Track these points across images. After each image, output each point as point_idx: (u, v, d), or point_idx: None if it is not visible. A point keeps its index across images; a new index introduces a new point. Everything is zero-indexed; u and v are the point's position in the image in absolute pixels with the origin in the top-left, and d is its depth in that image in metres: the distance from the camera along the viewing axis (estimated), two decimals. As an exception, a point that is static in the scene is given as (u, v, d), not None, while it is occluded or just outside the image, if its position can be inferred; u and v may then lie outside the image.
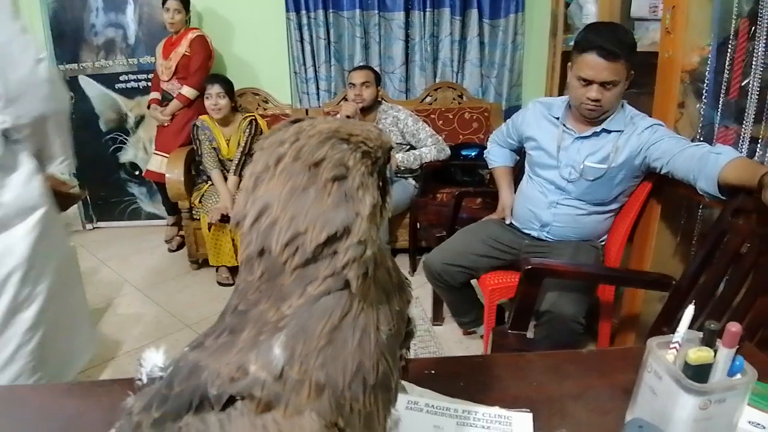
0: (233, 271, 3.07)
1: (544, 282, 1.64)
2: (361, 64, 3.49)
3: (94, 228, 4.06)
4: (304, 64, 3.71)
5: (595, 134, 1.84)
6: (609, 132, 1.82)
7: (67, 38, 3.65)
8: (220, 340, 0.42)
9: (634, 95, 1.98)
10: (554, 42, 3.35)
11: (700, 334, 0.70)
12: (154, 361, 0.53)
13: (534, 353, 0.98)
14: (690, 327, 0.72)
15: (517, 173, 2.30)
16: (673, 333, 0.72)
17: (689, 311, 0.72)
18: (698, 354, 0.66)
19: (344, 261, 0.39)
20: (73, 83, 3.70)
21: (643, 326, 1.99)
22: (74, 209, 4.03)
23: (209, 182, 3.18)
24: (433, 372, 0.91)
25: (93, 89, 3.76)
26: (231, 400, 0.39)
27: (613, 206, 1.92)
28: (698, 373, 0.66)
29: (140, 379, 0.53)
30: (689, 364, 0.66)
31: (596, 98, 1.74)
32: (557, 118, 1.92)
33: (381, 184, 0.43)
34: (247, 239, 0.40)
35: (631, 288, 2.05)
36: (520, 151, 2.25)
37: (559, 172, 1.90)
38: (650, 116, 1.85)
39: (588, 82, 1.74)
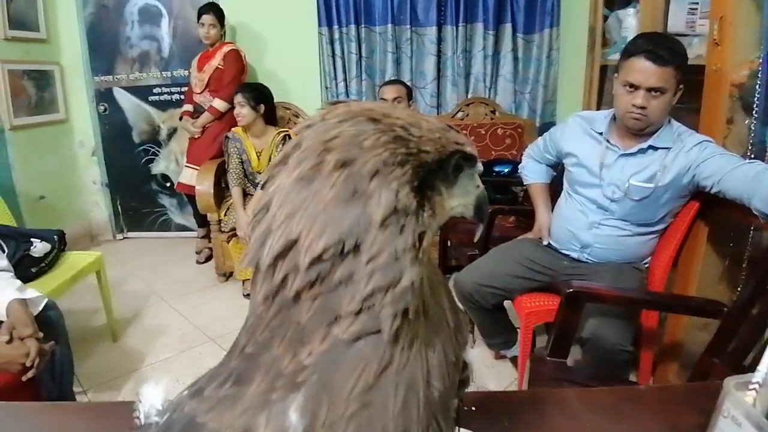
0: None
1: (585, 307, 1.54)
2: (393, 78, 3.45)
3: (124, 238, 4.10)
4: (336, 79, 3.70)
5: (641, 151, 1.75)
6: (656, 149, 1.73)
7: (103, 50, 3.72)
8: (223, 391, 0.32)
9: (677, 111, 1.88)
10: (592, 56, 3.26)
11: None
12: (151, 400, 0.41)
13: (585, 389, 0.89)
14: (743, 360, 0.63)
15: (553, 190, 2.21)
16: (734, 369, 0.63)
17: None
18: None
19: (368, 290, 0.29)
20: (107, 95, 3.76)
21: (686, 356, 1.87)
22: (105, 219, 4.08)
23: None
24: (473, 409, 0.83)
25: (127, 101, 3.81)
26: None
27: (658, 227, 1.82)
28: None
29: (138, 417, 0.42)
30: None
31: (642, 105, 1.65)
32: (600, 134, 1.84)
33: (426, 188, 0.33)
34: (247, 249, 0.32)
35: (676, 314, 1.93)
36: (557, 167, 2.16)
37: (602, 191, 1.81)
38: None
39: (635, 88, 1.65)
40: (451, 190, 0.37)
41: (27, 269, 2.32)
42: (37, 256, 2.37)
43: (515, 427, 0.77)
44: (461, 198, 0.39)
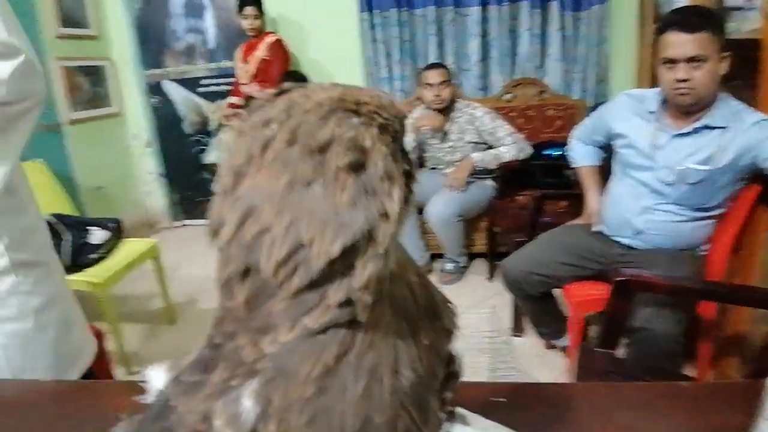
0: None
1: (637, 297, 1.48)
2: (434, 61, 3.39)
3: (182, 225, 4.25)
4: (378, 64, 3.67)
5: (696, 131, 1.64)
6: (711, 128, 1.62)
7: (151, 44, 3.83)
8: (193, 377, 0.34)
9: (733, 89, 1.75)
10: (643, 33, 3.09)
11: None
12: (155, 383, 0.42)
13: (624, 383, 0.85)
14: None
15: (605, 173, 2.11)
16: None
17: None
18: None
19: (363, 281, 0.28)
20: (158, 88, 3.87)
21: (749, 349, 1.76)
22: (162, 207, 4.24)
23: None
24: (503, 400, 0.80)
25: (176, 93, 3.91)
26: None
27: (716, 212, 1.71)
28: None
29: (142, 398, 0.43)
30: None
31: (684, 77, 1.55)
32: (651, 113, 1.74)
33: (406, 167, 0.32)
34: (226, 254, 0.30)
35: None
36: (607, 148, 2.06)
37: (654, 174, 1.72)
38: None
39: (673, 63, 1.57)
40: None
41: (86, 256, 2.44)
42: (95, 243, 2.48)
43: (543, 420, 0.74)
44: None
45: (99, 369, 1.60)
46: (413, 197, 0.33)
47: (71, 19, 3.47)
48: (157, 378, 0.41)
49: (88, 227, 2.52)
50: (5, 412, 0.82)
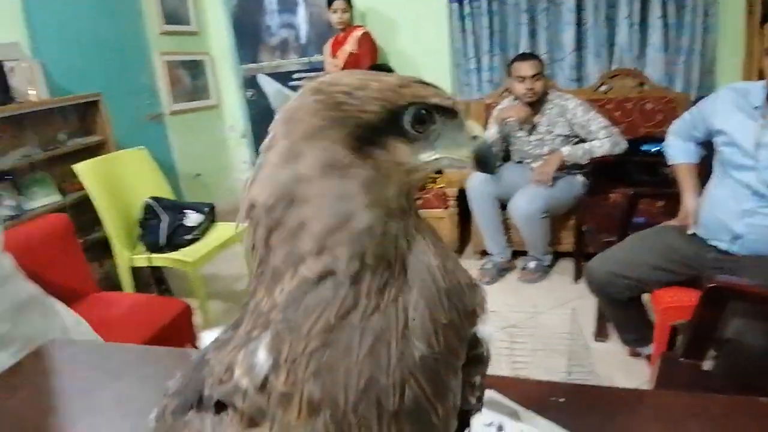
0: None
1: (729, 305, 1.35)
2: (527, 52, 3.28)
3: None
4: (466, 55, 3.62)
5: (808, 128, 1.47)
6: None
7: (247, 40, 4.02)
8: (226, 335, 0.38)
9: None
10: (752, 21, 2.80)
11: None
12: (206, 342, 0.46)
13: (693, 394, 0.78)
14: None
15: (704, 172, 1.95)
16: None
17: None
18: None
19: (319, 229, 0.32)
20: (253, 81, 4.06)
21: None
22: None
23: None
24: (562, 400, 0.77)
25: (270, 87, 4.08)
26: (222, 404, 0.35)
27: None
28: None
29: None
30: None
31: None
32: (756, 108, 1.58)
33: (370, 144, 0.34)
34: (255, 222, 0.36)
35: None
36: (708, 146, 1.90)
37: (757, 175, 1.56)
38: None
39: None
40: (421, 143, 0.37)
41: (181, 237, 2.62)
42: (190, 225, 2.66)
43: (600, 424, 0.70)
44: (449, 150, 0.38)
45: (186, 340, 1.72)
46: (369, 165, 0.34)
47: (174, 16, 3.72)
48: (208, 339, 0.45)
49: (184, 210, 2.70)
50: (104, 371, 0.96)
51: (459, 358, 0.39)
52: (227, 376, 0.35)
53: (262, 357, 0.33)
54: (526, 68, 2.73)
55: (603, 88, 3.41)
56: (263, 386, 0.33)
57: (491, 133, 2.88)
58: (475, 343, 0.42)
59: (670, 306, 1.74)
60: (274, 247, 0.34)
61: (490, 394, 0.75)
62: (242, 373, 0.34)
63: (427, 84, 0.37)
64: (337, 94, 0.35)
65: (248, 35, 3.99)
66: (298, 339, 0.32)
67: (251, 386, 0.34)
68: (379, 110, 0.34)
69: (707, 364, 1.38)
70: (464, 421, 0.48)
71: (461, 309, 0.38)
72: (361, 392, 0.32)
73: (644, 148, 3.02)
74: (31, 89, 2.56)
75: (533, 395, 0.79)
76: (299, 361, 0.32)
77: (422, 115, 0.36)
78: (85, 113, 2.92)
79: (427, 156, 0.37)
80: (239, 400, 0.34)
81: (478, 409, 0.48)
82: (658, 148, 2.92)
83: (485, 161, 0.40)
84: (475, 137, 0.40)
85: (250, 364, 0.34)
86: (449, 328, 0.36)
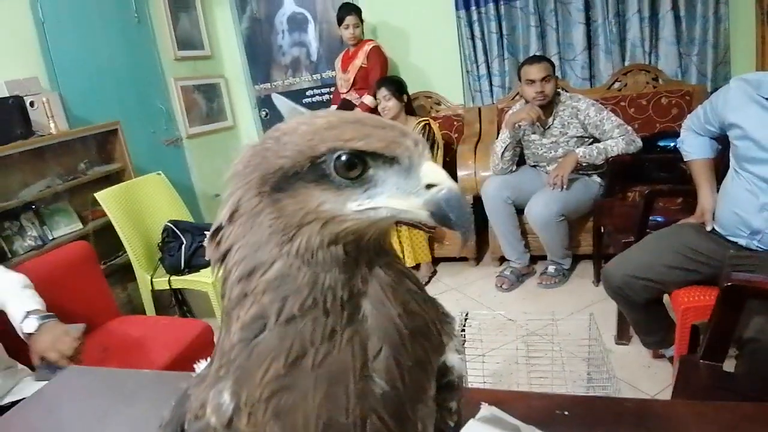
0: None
1: (750, 304, 1.31)
2: (535, 54, 3.26)
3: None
4: (476, 61, 3.61)
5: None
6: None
7: (259, 60, 4.08)
8: (205, 369, 0.40)
9: None
10: (762, 9, 2.74)
11: None
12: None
13: (707, 403, 0.76)
14: None
15: (722, 167, 1.90)
16: None
17: None
18: None
19: (236, 276, 0.34)
20: (267, 101, 4.12)
21: None
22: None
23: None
24: (566, 413, 0.76)
25: (284, 105, 4.13)
26: None
27: None
28: None
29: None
30: None
31: None
32: (768, 99, 1.53)
33: (281, 191, 0.34)
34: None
35: None
36: (722, 140, 1.86)
37: (774, 168, 1.52)
38: None
39: None
40: (353, 190, 0.34)
41: (201, 258, 2.66)
42: (209, 246, 2.69)
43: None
44: (393, 199, 0.34)
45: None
46: (275, 213, 0.35)
47: (187, 41, 3.80)
48: (198, 370, 0.48)
49: (204, 231, 2.74)
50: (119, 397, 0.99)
51: (426, 391, 0.39)
52: (201, 413, 0.37)
53: (227, 399, 0.35)
54: (535, 71, 2.71)
55: (616, 85, 3.37)
56: (230, 424, 0.35)
57: (504, 137, 2.87)
58: (445, 371, 0.43)
59: (690, 306, 1.70)
60: (225, 289, 0.36)
61: (491, 410, 0.74)
62: (212, 411, 0.36)
63: (371, 125, 0.34)
64: (268, 140, 0.35)
65: (260, 56, 4.05)
66: (253, 386, 0.33)
67: (219, 425, 0.35)
68: (295, 156, 0.33)
69: (728, 365, 1.34)
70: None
71: (428, 347, 0.39)
72: None
73: (662, 143, 2.97)
74: (51, 122, 2.64)
75: (537, 409, 0.78)
76: (257, 406, 0.33)
77: (348, 161, 0.33)
78: (104, 142, 3.00)
79: (356, 205, 0.34)
80: None
81: None
82: (675, 143, 2.87)
83: (442, 216, 0.34)
84: (429, 186, 0.34)
85: (217, 404, 0.35)
86: (415, 366, 0.37)
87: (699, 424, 0.70)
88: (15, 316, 1.47)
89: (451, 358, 0.43)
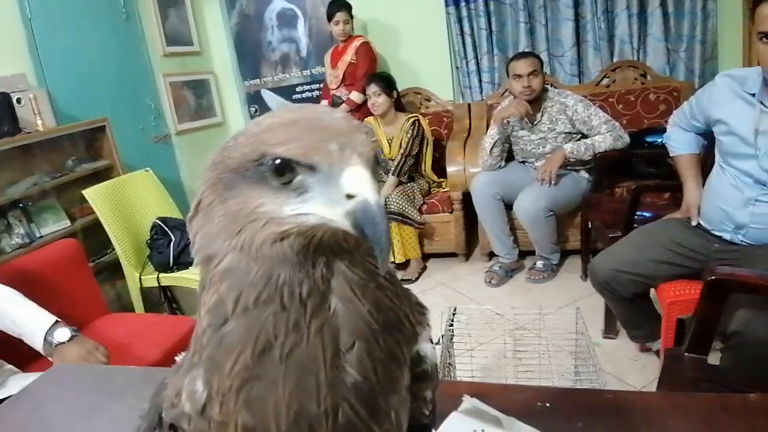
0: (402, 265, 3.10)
1: (734, 297, 1.33)
2: (524, 50, 3.27)
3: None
4: (466, 58, 3.61)
5: (806, 113, 1.44)
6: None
7: (249, 56, 4.06)
8: (181, 359, 0.41)
9: None
10: (748, 5, 2.75)
11: None
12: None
13: (684, 394, 0.77)
14: None
15: (708, 162, 1.92)
16: None
17: None
18: None
19: (197, 261, 0.37)
20: (256, 97, 4.10)
21: None
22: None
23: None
24: (547, 405, 0.77)
25: (273, 101, 4.11)
26: (175, 426, 0.38)
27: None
28: None
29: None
30: None
31: None
32: (753, 95, 1.55)
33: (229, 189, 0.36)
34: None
35: None
36: (708, 135, 1.87)
37: (758, 163, 1.54)
38: None
39: None
40: (288, 195, 0.34)
41: (190, 255, 2.64)
42: (198, 243, 2.69)
43: (588, 429, 0.70)
44: (320, 206, 0.33)
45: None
46: (221, 212, 0.36)
47: (176, 37, 3.77)
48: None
49: (192, 229, 2.73)
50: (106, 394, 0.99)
51: (399, 381, 0.40)
52: (177, 400, 0.38)
53: (200, 387, 0.36)
54: (522, 66, 2.73)
55: (605, 81, 3.40)
56: (204, 411, 0.36)
57: (492, 134, 2.88)
58: (418, 360, 0.43)
59: (676, 299, 1.72)
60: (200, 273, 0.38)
61: (472, 402, 0.75)
62: (186, 398, 0.37)
63: (302, 128, 0.34)
64: (232, 139, 0.36)
65: (250, 52, 4.04)
66: (223, 377, 0.34)
67: (194, 411, 0.36)
68: (239, 157, 0.34)
69: (713, 358, 1.36)
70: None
71: (401, 338, 0.39)
72: (291, 421, 0.34)
73: (649, 139, 2.98)
74: (38, 118, 2.62)
75: (519, 402, 0.79)
76: (228, 396, 0.34)
77: (275, 166, 0.33)
78: (92, 139, 2.98)
79: (291, 209, 0.33)
80: (185, 423, 0.37)
81: (433, 422, 0.49)
82: (662, 139, 2.89)
83: (359, 227, 0.32)
84: (350, 196, 0.32)
85: (191, 391, 0.36)
86: (387, 358, 0.38)
87: (677, 415, 0.71)
88: (36, 324, 1.47)
89: (425, 347, 0.44)
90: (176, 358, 0.47)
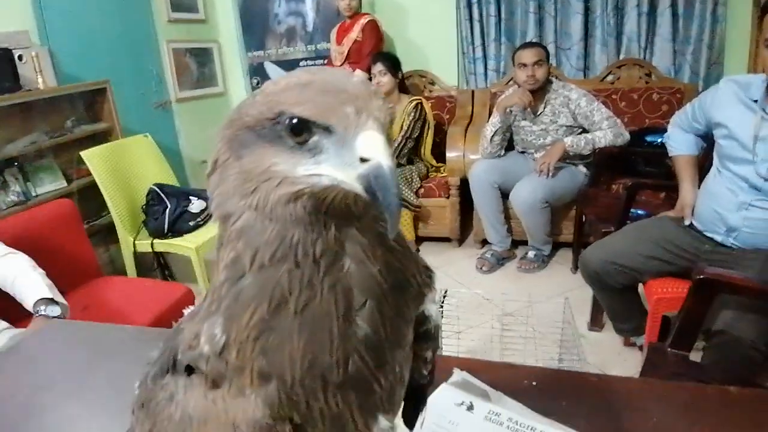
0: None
1: (720, 297, 1.36)
2: (531, 40, 3.26)
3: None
4: (473, 44, 3.60)
5: (806, 121, 1.46)
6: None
7: (255, 27, 4.00)
8: (199, 307, 0.42)
9: None
10: (758, 12, 2.76)
11: None
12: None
13: (662, 382, 0.80)
14: None
15: (705, 165, 1.94)
16: None
17: None
18: None
19: (214, 218, 0.37)
20: (259, 69, 4.07)
21: None
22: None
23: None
24: (533, 384, 0.79)
25: (276, 74, 4.07)
26: (192, 367, 0.39)
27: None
28: None
29: None
30: None
31: None
32: (755, 101, 1.56)
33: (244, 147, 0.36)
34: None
35: None
36: (707, 138, 1.89)
37: (755, 168, 1.56)
38: None
39: None
40: (303, 155, 0.34)
41: (186, 223, 2.66)
42: (194, 211, 2.70)
43: (573, 409, 0.72)
44: (334, 168, 0.33)
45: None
46: (236, 168, 0.36)
47: (181, 4, 3.73)
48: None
49: (189, 197, 2.74)
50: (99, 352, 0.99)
51: (405, 337, 0.43)
52: (195, 342, 0.39)
53: (218, 332, 0.37)
54: (527, 55, 2.73)
55: (610, 77, 3.39)
56: (222, 353, 0.37)
57: (494, 122, 2.88)
58: (423, 320, 0.46)
59: (663, 296, 1.75)
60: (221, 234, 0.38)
61: (462, 375, 0.77)
62: (205, 341, 0.38)
63: (318, 89, 0.34)
64: (249, 97, 0.37)
65: (255, 23, 3.99)
66: (240, 328, 0.36)
67: (212, 353, 0.37)
68: (256, 115, 0.35)
69: (695, 356, 1.39)
70: (420, 395, 0.52)
71: (408, 297, 0.42)
72: (305, 370, 0.36)
73: (649, 138, 2.99)
74: (39, 77, 2.60)
75: (507, 378, 0.81)
76: (246, 344, 0.36)
77: (291, 126, 0.33)
78: (93, 100, 2.96)
79: (304, 169, 0.34)
80: (204, 364, 0.38)
81: (431, 383, 0.53)
82: (662, 139, 2.90)
83: (371, 192, 0.32)
84: (364, 159, 0.33)
85: (211, 334, 0.38)
86: (396, 315, 0.40)
87: (658, 401, 0.74)
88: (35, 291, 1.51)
89: (430, 308, 0.46)
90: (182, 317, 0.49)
